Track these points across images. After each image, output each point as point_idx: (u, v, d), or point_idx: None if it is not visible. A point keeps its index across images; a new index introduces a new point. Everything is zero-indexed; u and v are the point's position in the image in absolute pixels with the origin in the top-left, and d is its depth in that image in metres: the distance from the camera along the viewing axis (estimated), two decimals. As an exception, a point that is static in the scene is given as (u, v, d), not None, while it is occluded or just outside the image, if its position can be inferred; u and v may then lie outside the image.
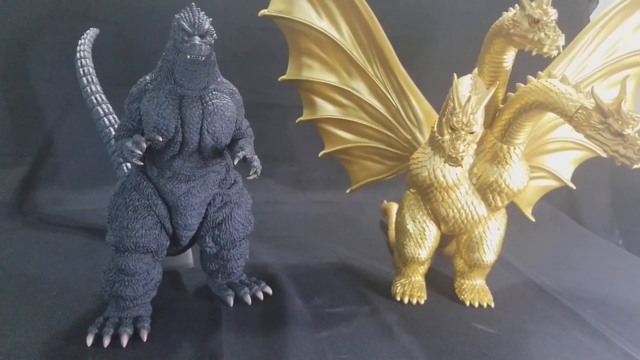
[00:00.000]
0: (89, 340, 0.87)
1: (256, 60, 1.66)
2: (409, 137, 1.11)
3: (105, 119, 1.22)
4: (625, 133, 0.78)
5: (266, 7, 1.05)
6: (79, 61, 1.26)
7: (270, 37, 1.54)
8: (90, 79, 1.25)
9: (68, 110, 1.62)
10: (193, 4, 0.83)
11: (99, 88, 1.25)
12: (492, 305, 1.10)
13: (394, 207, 1.47)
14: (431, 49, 1.80)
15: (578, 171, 1.20)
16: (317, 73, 1.11)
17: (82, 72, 1.25)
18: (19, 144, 1.62)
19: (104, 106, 1.23)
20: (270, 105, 1.68)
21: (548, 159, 1.17)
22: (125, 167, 1.20)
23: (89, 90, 1.24)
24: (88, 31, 1.33)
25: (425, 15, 1.80)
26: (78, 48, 1.28)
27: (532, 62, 1.00)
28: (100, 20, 1.48)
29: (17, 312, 0.97)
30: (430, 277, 1.17)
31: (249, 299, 1.04)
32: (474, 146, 0.86)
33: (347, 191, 1.23)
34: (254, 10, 1.05)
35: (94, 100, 1.23)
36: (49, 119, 1.63)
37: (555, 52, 0.87)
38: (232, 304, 1.03)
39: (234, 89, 0.94)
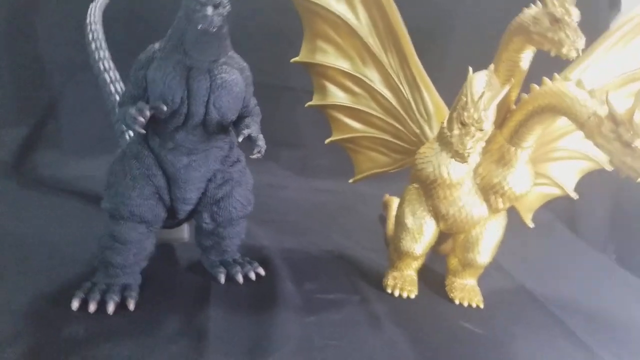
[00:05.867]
0: (75, 305, 0.87)
1: (268, 41, 1.64)
2: (417, 131, 1.10)
3: (112, 86, 1.21)
4: (634, 145, 0.77)
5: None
6: (88, 26, 1.24)
7: (284, 18, 1.52)
8: (99, 45, 1.23)
9: (74, 75, 1.60)
10: (209, -27, 0.81)
11: (107, 54, 1.23)
12: (482, 305, 1.09)
13: (394, 202, 1.45)
14: (447, 43, 1.75)
15: (581, 182, 1.19)
16: (330, 58, 1.09)
17: (91, 37, 1.23)
18: (22, 104, 1.60)
19: (111, 73, 1.22)
20: (280, 88, 1.66)
21: (553, 166, 1.15)
22: (127, 136, 1.19)
23: (97, 56, 1.22)
24: (100, -4, 1.31)
25: (442, 7, 1.75)
26: (88, 12, 1.26)
27: (547, 65, 0.98)
28: (113, -14, 1.46)
29: (4, 271, 0.97)
30: (423, 273, 1.16)
31: (240, 278, 1.04)
32: (482, 144, 0.85)
33: (350, 181, 1.21)
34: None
35: (102, 67, 1.22)
36: (55, 82, 1.62)
37: (574, 54, 0.85)
38: (223, 281, 1.03)
39: (245, 65, 0.93)
